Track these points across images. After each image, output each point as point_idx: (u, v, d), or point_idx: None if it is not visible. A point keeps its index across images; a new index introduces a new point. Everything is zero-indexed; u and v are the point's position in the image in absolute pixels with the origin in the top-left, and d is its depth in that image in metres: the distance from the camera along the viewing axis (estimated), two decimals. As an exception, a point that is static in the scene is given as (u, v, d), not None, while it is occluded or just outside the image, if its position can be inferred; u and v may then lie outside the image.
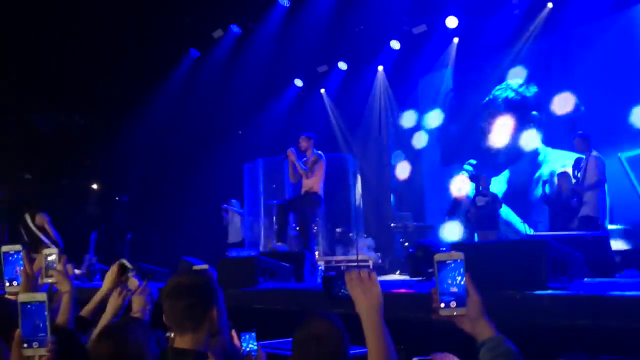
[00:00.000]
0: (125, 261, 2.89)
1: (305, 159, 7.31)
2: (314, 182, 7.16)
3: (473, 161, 10.73)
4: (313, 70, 12.52)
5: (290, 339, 2.21)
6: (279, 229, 7.24)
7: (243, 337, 2.75)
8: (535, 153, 10.35)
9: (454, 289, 1.54)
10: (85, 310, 2.74)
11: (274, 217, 8.76)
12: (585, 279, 4.02)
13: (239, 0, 10.52)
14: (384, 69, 12.27)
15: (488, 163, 10.71)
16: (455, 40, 10.95)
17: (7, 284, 2.36)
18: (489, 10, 10.02)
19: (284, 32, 10.98)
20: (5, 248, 2.39)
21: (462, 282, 1.54)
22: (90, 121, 13.26)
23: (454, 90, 11.52)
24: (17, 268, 2.38)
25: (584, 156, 7.52)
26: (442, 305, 1.54)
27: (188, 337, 2.03)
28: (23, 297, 1.81)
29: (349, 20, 10.67)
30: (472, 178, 9.32)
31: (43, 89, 11.41)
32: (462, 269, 1.55)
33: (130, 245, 12.68)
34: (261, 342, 3.04)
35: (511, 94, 10.76)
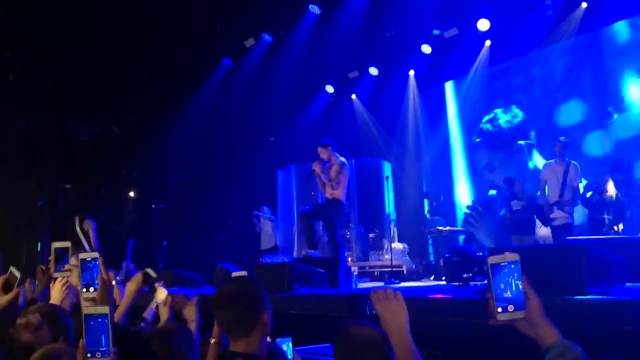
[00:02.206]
0: (149, 270, 2.98)
1: (329, 164, 7.33)
2: (335, 189, 7.17)
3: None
4: (344, 76, 12.54)
5: (326, 345, 2.23)
6: (307, 237, 7.25)
7: (279, 343, 2.78)
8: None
9: (511, 292, 1.50)
10: (115, 317, 2.84)
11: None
12: (627, 284, 3.93)
13: (271, 8, 10.61)
14: (415, 74, 12.23)
15: (496, 199, 10.88)
16: (488, 43, 10.85)
17: (84, 289, 2.42)
18: (522, 11, 9.91)
19: (314, 39, 11.04)
20: (83, 255, 2.45)
21: (519, 285, 1.50)
22: (127, 130, 13.52)
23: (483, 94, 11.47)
24: (94, 274, 2.43)
25: None
26: (499, 309, 1.50)
27: (242, 341, 2.09)
28: (87, 310, 1.88)
29: (379, 25, 10.67)
30: (507, 181, 9.20)
31: (81, 99, 11.68)
32: (518, 271, 1.50)
33: (166, 252, 12.88)
34: (298, 348, 3.07)
35: (494, 129, 11.11)
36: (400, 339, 1.89)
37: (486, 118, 11.25)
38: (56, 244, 2.58)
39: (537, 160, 10.40)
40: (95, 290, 2.38)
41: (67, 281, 2.73)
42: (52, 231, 11.78)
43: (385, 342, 1.98)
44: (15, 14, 9.87)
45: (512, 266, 1.51)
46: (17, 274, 2.69)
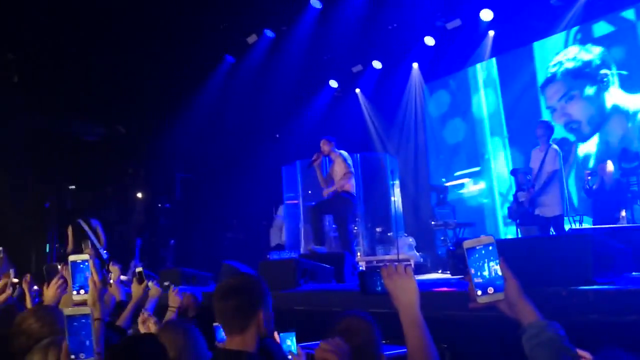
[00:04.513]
0: (139, 269, 3.03)
1: (330, 161, 7.36)
2: (344, 182, 7.13)
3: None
4: (347, 70, 12.51)
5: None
6: (315, 232, 7.20)
7: (283, 338, 2.78)
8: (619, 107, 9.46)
9: (489, 275, 1.51)
10: (120, 320, 2.85)
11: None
12: (633, 273, 3.89)
13: (272, 4, 10.58)
14: (419, 66, 12.17)
15: (574, 137, 10.00)
16: (491, 33, 10.78)
17: (75, 292, 2.38)
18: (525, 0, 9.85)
19: (317, 33, 11.01)
20: (72, 257, 2.42)
21: (497, 267, 1.51)
22: (132, 130, 13.57)
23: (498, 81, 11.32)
24: (86, 277, 2.40)
25: None
26: (479, 292, 1.51)
27: (237, 338, 2.07)
28: (69, 311, 1.86)
29: (381, 18, 10.62)
30: (513, 172, 9.12)
31: (86, 100, 11.72)
32: (495, 253, 1.51)
33: (174, 250, 12.92)
34: (303, 344, 3.06)
35: (570, 64, 10.10)
36: (409, 315, 1.87)
37: (560, 54, 10.24)
38: (73, 257, 2.42)
39: (617, 96, 9.44)
40: (86, 292, 2.36)
41: (62, 282, 2.72)
42: (60, 232, 11.84)
43: (371, 330, 2.04)
44: (18, 15, 9.90)
45: (489, 249, 1.52)
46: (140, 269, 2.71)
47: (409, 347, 1.84)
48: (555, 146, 7.26)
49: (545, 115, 10.28)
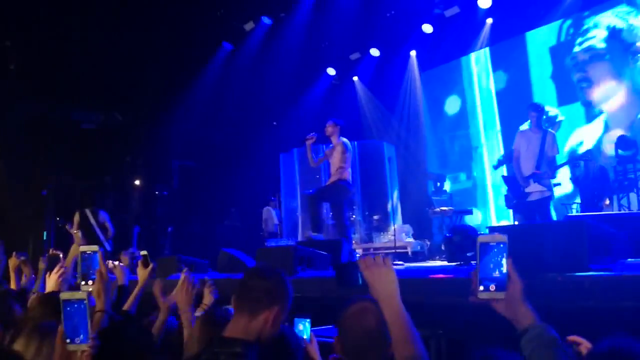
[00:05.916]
0: (144, 252, 3.07)
1: (330, 146, 7.35)
2: (342, 170, 7.15)
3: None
4: (345, 58, 12.46)
5: (329, 327, 2.23)
6: (312, 219, 7.22)
7: (296, 322, 2.78)
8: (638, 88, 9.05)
9: (495, 273, 1.51)
10: (127, 305, 2.86)
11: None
12: (629, 260, 3.91)
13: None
14: (417, 54, 12.13)
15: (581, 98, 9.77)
16: (489, 20, 10.74)
17: (83, 282, 2.40)
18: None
19: (314, 21, 10.96)
20: (83, 248, 2.43)
21: (504, 266, 1.51)
22: (130, 118, 13.52)
23: (492, 72, 11.29)
24: (93, 267, 2.39)
25: None
26: (481, 288, 1.51)
27: (243, 321, 2.00)
28: (64, 295, 1.86)
29: (379, 5, 10.57)
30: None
31: (82, 87, 11.67)
32: (504, 252, 1.51)
33: (172, 238, 12.94)
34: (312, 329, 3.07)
35: (615, 21, 9.51)
36: (390, 306, 1.86)
37: (612, 10, 9.55)
38: (84, 248, 2.43)
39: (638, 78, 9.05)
40: (92, 282, 2.37)
41: (63, 272, 2.73)
42: (57, 220, 11.84)
43: (382, 314, 1.98)
44: (14, 2, 9.83)
45: (500, 246, 1.52)
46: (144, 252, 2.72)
47: (393, 337, 1.84)
48: (552, 130, 7.18)
49: (567, 64, 10.12)
